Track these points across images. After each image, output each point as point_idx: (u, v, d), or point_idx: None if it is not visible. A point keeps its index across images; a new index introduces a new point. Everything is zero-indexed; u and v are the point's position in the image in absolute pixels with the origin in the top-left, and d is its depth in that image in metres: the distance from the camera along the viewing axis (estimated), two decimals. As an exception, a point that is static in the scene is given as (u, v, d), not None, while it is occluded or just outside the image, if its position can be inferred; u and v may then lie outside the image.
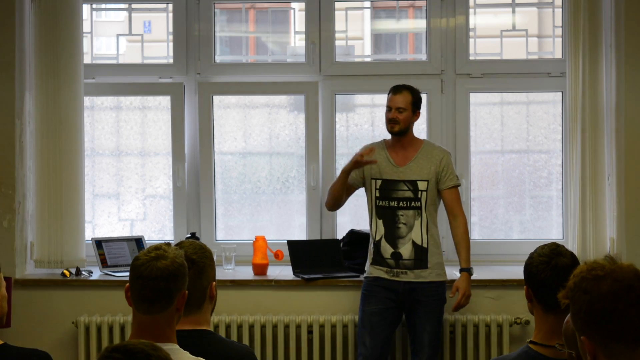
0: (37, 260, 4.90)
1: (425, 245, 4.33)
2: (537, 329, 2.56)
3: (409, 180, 4.36)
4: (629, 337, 1.79)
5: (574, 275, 1.89)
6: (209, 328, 2.63)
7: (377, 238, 4.38)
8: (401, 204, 4.35)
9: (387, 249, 4.34)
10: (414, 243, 4.32)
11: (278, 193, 5.25)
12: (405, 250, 4.32)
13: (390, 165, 4.40)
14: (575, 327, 1.87)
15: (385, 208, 4.37)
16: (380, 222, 4.37)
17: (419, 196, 4.34)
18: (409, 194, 4.35)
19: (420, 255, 4.33)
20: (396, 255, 4.33)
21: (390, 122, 4.38)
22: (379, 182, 4.39)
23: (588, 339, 1.82)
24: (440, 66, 5.12)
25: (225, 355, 2.56)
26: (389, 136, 4.49)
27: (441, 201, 4.44)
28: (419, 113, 4.45)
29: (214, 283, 2.62)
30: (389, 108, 4.38)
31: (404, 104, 4.36)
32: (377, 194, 4.38)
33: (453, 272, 4.74)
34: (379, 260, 4.37)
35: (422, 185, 4.35)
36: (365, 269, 4.49)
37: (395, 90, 4.41)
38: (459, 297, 4.31)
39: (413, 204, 4.35)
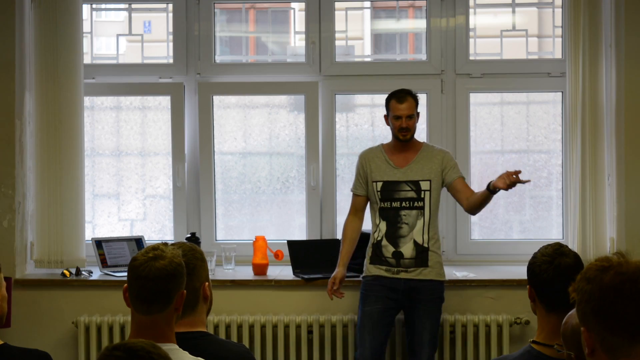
0: (37, 260, 4.90)
1: (426, 245, 4.34)
2: (539, 328, 2.56)
3: (411, 181, 4.36)
4: (628, 331, 1.77)
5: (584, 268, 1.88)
6: (204, 329, 2.60)
7: (378, 238, 4.37)
8: (404, 204, 4.36)
9: (388, 248, 4.34)
10: (415, 242, 4.33)
11: (278, 193, 5.25)
12: (407, 249, 4.32)
13: (390, 167, 4.40)
14: (578, 318, 1.86)
15: (388, 209, 4.37)
16: (383, 223, 4.36)
17: (422, 196, 4.35)
18: (411, 194, 4.36)
19: (421, 255, 4.33)
20: (397, 255, 4.33)
21: (403, 131, 4.36)
22: (379, 184, 4.39)
23: (587, 330, 1.82)
24: (440, 66, 5.12)
25: (222, 357, 2.54)
26: (388, 138, 4.49)
27: (440, 202, 4.43)
28: (419, 114, 4.46)
29: (207, 283, 2.59)
30: (398, 117, 4.36)
31: (411, 111, 4.36)
32: (379, 196, 4.38)
33: (452, 272, 4.75)
34: (378, 259, 4.37)
35: (424, 185, 4.35)
36: (364, 268, 4.49)
37: (400, 98, 4.36)
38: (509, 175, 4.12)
39: (416, 204, 4.35)
